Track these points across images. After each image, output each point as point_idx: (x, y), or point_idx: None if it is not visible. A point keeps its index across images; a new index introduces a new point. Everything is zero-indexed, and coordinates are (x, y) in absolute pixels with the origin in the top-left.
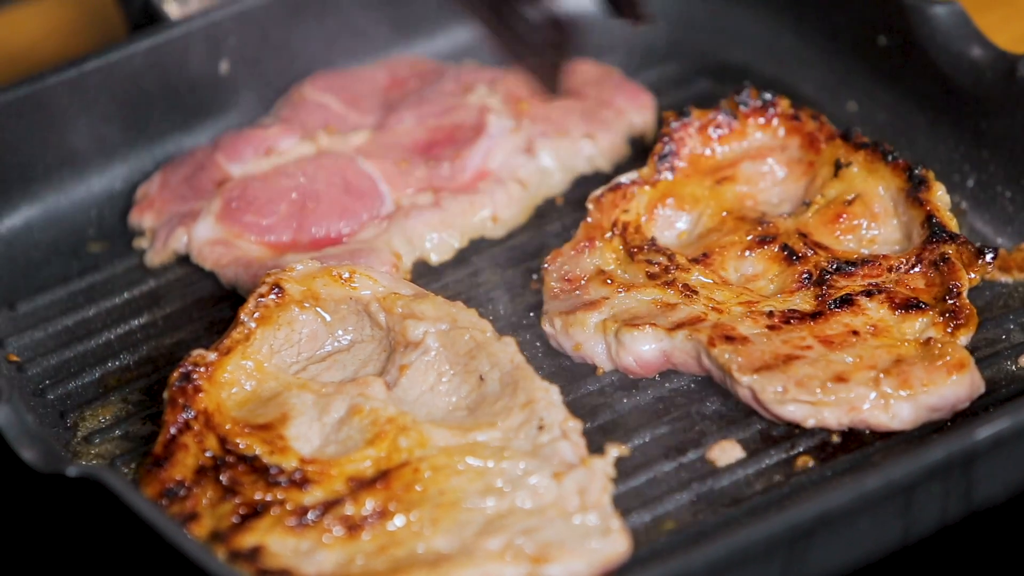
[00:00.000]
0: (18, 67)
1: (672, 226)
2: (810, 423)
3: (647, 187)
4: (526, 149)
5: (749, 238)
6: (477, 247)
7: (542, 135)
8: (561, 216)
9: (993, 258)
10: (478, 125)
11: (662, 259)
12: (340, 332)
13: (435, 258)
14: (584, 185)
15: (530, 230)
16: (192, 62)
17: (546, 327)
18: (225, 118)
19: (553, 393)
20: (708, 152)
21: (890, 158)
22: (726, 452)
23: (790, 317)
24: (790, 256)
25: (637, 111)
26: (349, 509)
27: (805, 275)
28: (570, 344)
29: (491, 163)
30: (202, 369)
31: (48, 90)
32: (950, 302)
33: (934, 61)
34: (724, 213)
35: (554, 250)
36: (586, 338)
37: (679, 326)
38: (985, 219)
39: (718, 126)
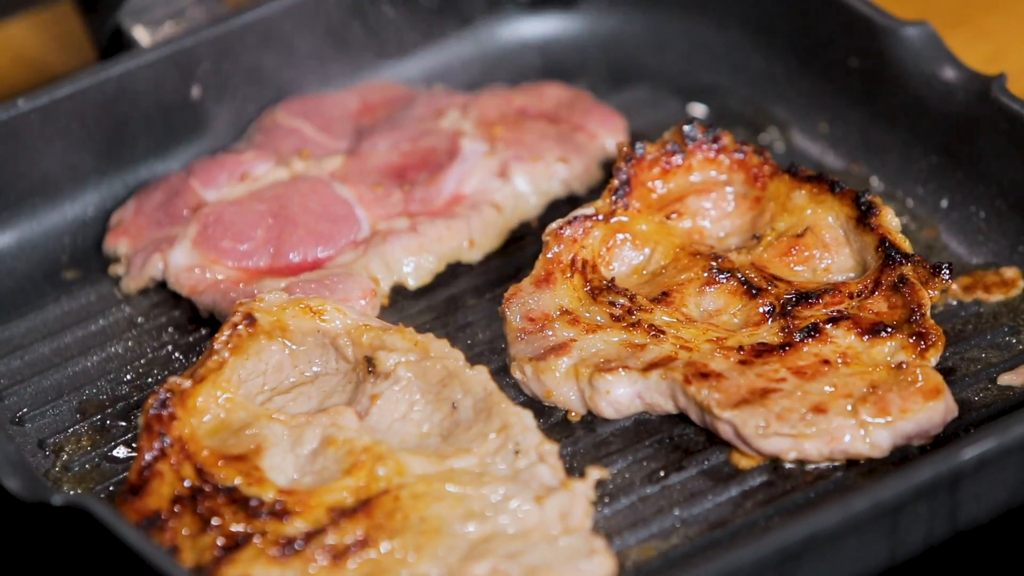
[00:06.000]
0: None
1: (627, 262)
2: (791, 456)
3: (602, 221)
4: (500, 173)
5: (706, 274)
6: (454, 271)
7: (516, 159)
8: (537, 240)
9: (949, 274)
10: (451, 149)
11: (624, 301)
12: (306, 364)
13: (413, 283)
14: (559, 208)
15: (507, 254)
16: (164, 88)
17: (516, 374)
18: (198, 144)
19: (527, 417)
20: (659, 187)
21: (836, 189)
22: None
23: (760, 351)
24: (749, 290)
25: (609, 135)
26: (332, 538)
27: (767, 307)
28: (541, 391)
29: (466, 187)
30: (176, 396)
31: (19, 117)
32: (915, 323)
33: (906, 82)
34: (677, 249)
35: (513, 285)
36: (557, 384)
37: (652, 366)
38: (959, 240)
39: (669, 160)
